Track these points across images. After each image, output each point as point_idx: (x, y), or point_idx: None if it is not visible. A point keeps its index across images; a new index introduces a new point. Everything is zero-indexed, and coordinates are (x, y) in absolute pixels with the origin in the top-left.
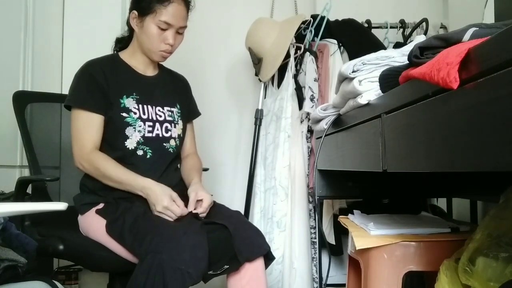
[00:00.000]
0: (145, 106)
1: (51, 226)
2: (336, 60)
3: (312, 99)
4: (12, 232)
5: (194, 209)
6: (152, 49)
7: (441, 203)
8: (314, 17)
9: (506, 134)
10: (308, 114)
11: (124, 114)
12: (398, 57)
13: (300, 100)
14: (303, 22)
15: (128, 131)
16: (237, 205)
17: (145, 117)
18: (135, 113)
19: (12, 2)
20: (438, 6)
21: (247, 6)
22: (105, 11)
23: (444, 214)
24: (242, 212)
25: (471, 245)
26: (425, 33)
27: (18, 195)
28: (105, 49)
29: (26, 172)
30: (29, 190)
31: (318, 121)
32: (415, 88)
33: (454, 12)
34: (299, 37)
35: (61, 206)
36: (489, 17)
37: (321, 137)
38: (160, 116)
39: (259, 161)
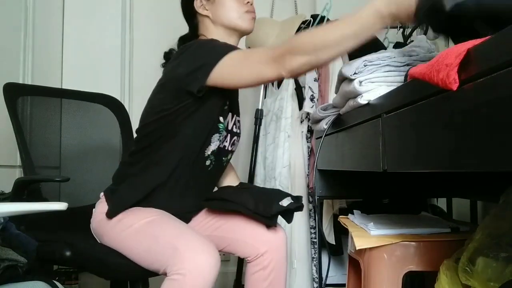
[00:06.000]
0: (229, 114)
1: (53, 230)
2: (336, 60)
3: (312, 99)
4: (12, 232)
5: None
6: (238, 16)
7: (441, 203)
8: (314, 17)
9: (506, 134)
10: (308, 114)
11: (221, 118)
12: (398, 57)
13: (300, 100)
14: (303, 22)
15: (214, 138)
16: None
17: (229, 128)
18: (225, 120)
19: (12, 2)
20: None
21: None
22: (105, 9)
23: (444, 214)
24: None
25: (471, 245)
26: (425, 33)
27: (16, 195)
28: (105, 46)
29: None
30: None
31: (318, 121)
32: (415, 88)
33: None
34: None
35: (61, 206)
36: None
37: (321, 137)
38: (236, 127)
39: (259, 161)
